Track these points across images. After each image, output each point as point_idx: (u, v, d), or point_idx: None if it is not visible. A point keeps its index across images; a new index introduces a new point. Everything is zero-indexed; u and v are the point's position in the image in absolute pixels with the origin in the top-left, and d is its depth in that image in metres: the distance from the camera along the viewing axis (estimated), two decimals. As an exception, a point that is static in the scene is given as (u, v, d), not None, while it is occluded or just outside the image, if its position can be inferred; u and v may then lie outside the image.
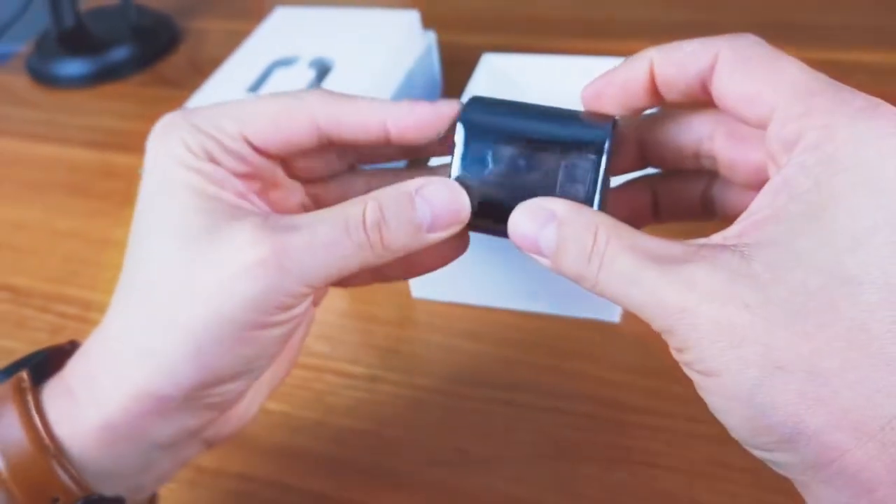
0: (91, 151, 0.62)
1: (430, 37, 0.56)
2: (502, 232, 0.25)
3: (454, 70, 0.58)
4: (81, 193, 0.58)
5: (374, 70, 0.50)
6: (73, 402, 0.25)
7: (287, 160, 0.28)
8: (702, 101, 0.26)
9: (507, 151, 0.26)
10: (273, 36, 0.56)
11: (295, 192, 0.29)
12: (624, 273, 0.22)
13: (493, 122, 0.26)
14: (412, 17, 0.54)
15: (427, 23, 0.56)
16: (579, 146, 0.26)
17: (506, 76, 0.52)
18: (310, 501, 0.37)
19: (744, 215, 0.23)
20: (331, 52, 0.52)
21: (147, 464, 0.26)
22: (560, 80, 0.51)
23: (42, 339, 0.47)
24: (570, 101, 0.52)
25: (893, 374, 0.19)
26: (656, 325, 0.22)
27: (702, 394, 0.22)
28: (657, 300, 0.21)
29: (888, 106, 0.21)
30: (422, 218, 0.25)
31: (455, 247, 0.28)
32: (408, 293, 0.45)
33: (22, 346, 0.46)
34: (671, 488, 0.35)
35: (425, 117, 0.26)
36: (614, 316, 0.41)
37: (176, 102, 0.65)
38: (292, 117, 0.26)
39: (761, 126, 0.23)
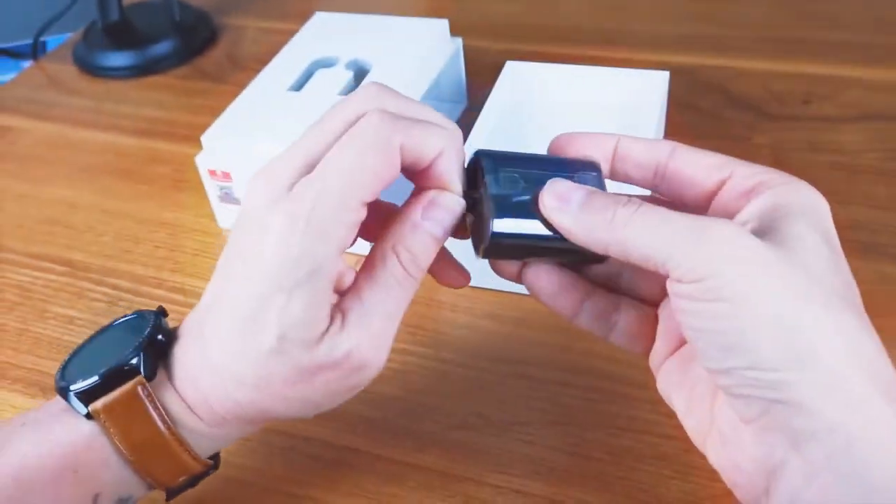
0: (137, 139, 0.66)
1: (458, 43, 0.61)
2: (531, 247, 0.30)
3: (476, 74, 0.63)
4: (130, 178, 0.62)
5: (406, 74, 0.54)
6: (198, 419, 0.32)
7: None
8: (648, 182, 0.32)
9: (526, 173, 0.30)
10: (313, 39, 0.60)
11: None
12: (661, 215, 0.27)
13: (506, 157, 0.31)
14: (442, 25, 0.59)
15: (452, 30, 0.61)
16: (583, 165, 0.31)
17: (527, 83, 0.56)
18: (346, 455, 0.41)
19: (739, 217, 0.28)
20: (367, 55, 0.57)
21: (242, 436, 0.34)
22: (578, 87, 0.56)
23: (99, 308, 0.52)
24: (588, 107, 0.57)
25: (873, 342, 0.26)
26: (687, 256, 0.25)
27: (714, 324, 0.25)
28: (699, 233, 0.26)
29: (800, 181, 0.29)
30: (436, 234, 0.30)
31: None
32: (434, 277, 0.50)
33: (81, 315, 0.51)
34: (670, 453, 0.39)
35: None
36: (621, 302, 0.46)
37: (215, 95, 0.70)
38: (390, 167, 0.28)
39: (716, 184, 0.30)
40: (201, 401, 0.31)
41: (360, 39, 0.59)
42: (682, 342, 0.31)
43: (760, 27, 0.71)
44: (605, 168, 0.32)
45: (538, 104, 0.56)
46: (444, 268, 0.34)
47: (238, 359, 0.29)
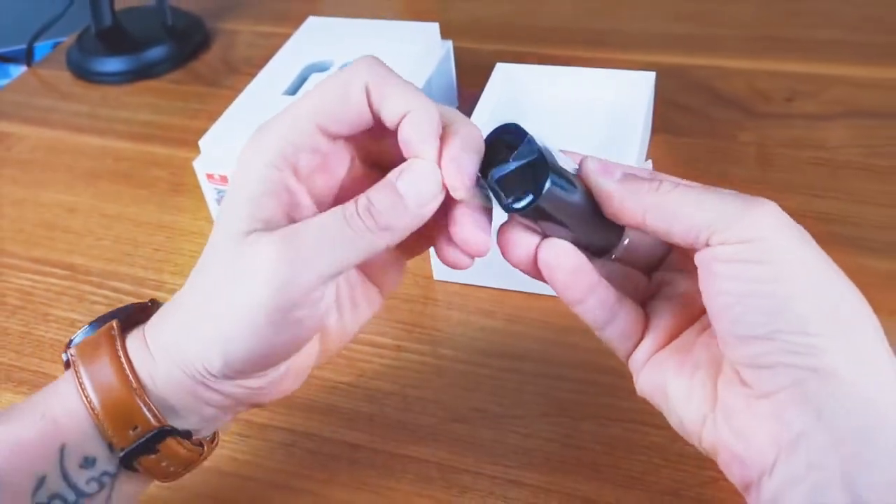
0: (133, 143, 0.67)
1: (448, 46, 0.62)
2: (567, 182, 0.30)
3: (467, 76, 0.64)
4: (127, 182, 0.63)
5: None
6: (154, 363, 0.31)
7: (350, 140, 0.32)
8: None
9: (550, 146, 0.30)
10: (307, 43, 0.61)
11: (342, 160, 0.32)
12: (703, 189, 0.28)
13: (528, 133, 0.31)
14: (432, 29, 0.60)
15: (442, 33, 0.62)
16: None
17: (517, 84, 0.58)
18: (345, 450, 0.43)
19: None
20: (360, 58, 0.58)
21: (205, 416, 0.33)
22: (567, 88, 0.57)
23: (100, 311, 0.52)
24: (577, 107, 0.58)
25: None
26: (734, 219, 0.27)
27: (760, 287, 0.27)
28: (746, 202, 0.27)
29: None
30: (408, 196, 0.29)
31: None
32: (430, 275, 0.51)
33: (83, 318, 0.52)
34: (659, 442, 0.41)
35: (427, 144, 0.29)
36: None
37: (209, 99, 0.71)
38: (351, 100, 0.29)
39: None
40: (157, 337, 0.32)
41: (353, 43, 0.60)
42: (676, 334, 0.32)
43: (745, 27, 0.72)
44: None
45: (528, 105, 0.57)
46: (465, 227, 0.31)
47: (197, 278, 0.32)
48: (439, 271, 0.51)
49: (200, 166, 0.53)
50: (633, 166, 0.31)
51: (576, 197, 0.30)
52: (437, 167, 0.29)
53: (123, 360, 0.31)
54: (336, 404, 0.45)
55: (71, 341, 0.33)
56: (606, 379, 0.44)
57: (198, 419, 0.33)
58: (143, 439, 0.31)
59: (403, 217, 0.29)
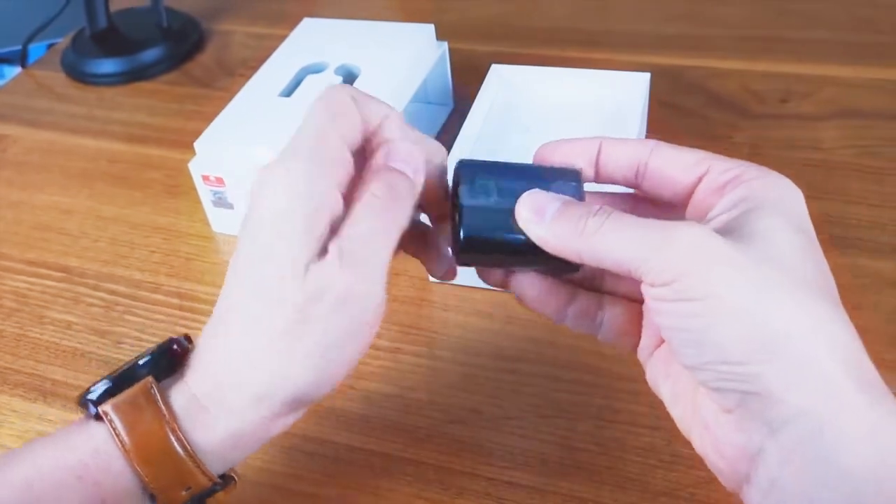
0: (129, 145, 0.67)
1: (443, 47, 0.62)
2: (504, 248, 0.31)
3: (462, 77, 0.64)
4: (123, 184, 0.63)
5: (394, 78, 0.56)
6: (204, 411, 0.31)
7: None
8: (630, 182, 0.33)
9: (503, 183, 0.31)
10: (302, 45, 0.61)
11: None
12: (629, 223, 0.28)
13: (486, 167, 0.32)
14: (428, 30, 0.60)
15: (438, 34, 0.62)
16: (563, 174, 0.32)
17: (512, 85, 0.58)
18: (343, 452, 0.43)
19: (710, 216, 0.30)
20: (355, 60, 0.58)
21: (258, 448, 0.33)
22: (562, 89, 0.57)
23: (96, 313, 0.52)
24: (572, 108, 0.58)
25: (846, 330, 0.27)
26: (655, 261, 0.27)
27: (685, 322, 0.27)
28: (665, 238, 0.27)
29: (775, 173, 0.30)
30: (406, 170, 0.31)
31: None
32: (426, 277, 0.51)
33: (78, 320, 0.52)
34: (655, 443, 0.41)
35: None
36: (607, 299, 0.48)
37: (204, 100, 0.71)
38: (354, 116, 0.31)
39: (694, 181, 0.31)
40: (211, 385, 0.31)
41: (348, 45, 0.60)
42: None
43: (740, 27, 0.72)
44: (589, 172, 0.33)
45: (523, 105, 0.57)
46: (434, 258, 0.35)
47: (248, 311, 0.30)
48: (435, 273, 0.51)
49: (196, 168, 0.53)
50: (571, 198, 0.31)
51: (511, 238, 0.30)
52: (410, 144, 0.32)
53: (171, 423, 0.30)
54: (333, 406, 0.45)
55: (88, 392, 0.31)
56: (603, 381, 0.44)
57: (248, 455, 0.33)
58: (197, 496, 0.32)
59: (410, 190, 0.31)
